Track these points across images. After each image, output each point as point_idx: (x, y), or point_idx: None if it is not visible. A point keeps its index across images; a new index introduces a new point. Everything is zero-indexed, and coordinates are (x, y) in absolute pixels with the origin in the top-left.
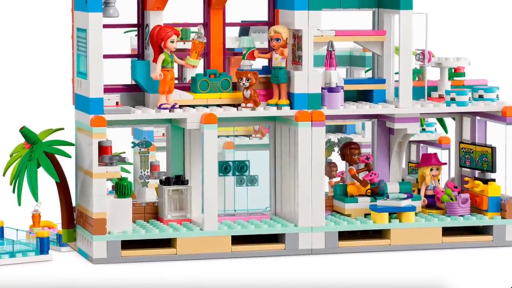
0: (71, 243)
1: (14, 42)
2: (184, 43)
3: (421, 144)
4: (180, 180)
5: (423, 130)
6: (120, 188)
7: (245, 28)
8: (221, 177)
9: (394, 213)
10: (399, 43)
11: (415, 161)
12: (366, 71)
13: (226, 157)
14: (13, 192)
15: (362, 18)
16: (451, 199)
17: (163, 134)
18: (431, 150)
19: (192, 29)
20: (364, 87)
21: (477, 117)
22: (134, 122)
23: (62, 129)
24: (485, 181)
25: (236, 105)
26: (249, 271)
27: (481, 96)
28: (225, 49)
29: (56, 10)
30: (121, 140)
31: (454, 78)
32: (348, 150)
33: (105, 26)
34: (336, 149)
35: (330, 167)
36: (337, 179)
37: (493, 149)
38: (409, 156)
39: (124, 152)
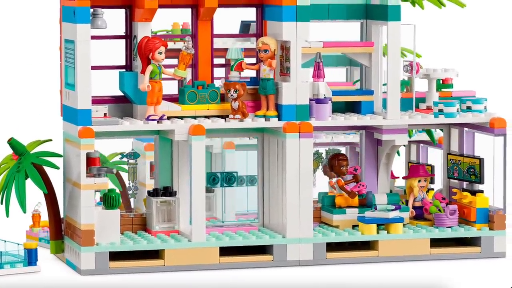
0: (59, 254)
1: (2, 53)
2: (174, 43)
3: (421, 144)
4: (168, 191)
5: (423, 130)
6: (108, 200)
7: (246, 24)
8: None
9: (382, 224)
10: (387, 54)
11: (415, 161)
12: (354, 82)
13: (226, 157)
14: (1, 203)
15: (350, 30)
16: (439, 210)
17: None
18: (431, 150)
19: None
20: (352, 98)
21: (465, 129)
22: (122, 133)
23: (50, 140)
24: (473, 193)
25: (224, 117)
26: (237, 283)
27: (469, 108)
28: (213, 60)
29: (44, 21)
30: (119, 144)
31: (442, 90)
32: (336, 161)
33: (93, 37)
34: (324, 157)
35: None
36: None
37: (481, 160)
38: (409, 156)
39: (124, 152)
